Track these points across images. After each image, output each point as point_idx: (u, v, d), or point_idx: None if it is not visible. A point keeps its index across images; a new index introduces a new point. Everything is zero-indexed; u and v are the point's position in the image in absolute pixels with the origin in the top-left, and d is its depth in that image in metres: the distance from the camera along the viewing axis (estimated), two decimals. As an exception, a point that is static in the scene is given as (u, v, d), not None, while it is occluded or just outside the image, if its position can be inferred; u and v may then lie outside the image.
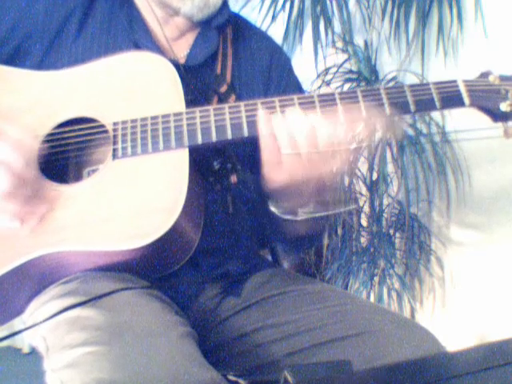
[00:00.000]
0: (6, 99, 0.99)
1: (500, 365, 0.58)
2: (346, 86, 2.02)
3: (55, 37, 1.04)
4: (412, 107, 0.92)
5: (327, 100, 0.92)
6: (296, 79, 1.22)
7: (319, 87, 2.05)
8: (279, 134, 0.89)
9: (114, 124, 0.94)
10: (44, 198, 0.90)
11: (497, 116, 0.94)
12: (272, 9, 2.12)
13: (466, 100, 0.92)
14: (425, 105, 0.92)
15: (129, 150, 0.93)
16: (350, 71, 2.07)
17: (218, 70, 1.10)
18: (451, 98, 0.92)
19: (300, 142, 0.88)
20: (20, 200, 0.87)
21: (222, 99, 1.06)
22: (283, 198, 0.97)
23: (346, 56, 2.09)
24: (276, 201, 0.99)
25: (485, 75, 0.95)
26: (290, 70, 1.21)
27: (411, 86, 0.93)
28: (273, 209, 1.00)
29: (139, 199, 0.90)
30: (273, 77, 1.16)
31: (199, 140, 0.92)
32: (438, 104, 0.92)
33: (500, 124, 0.95)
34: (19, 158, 0.85)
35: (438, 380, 0.57)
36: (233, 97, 1.08)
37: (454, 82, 0.93)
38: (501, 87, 0.93)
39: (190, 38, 1.11)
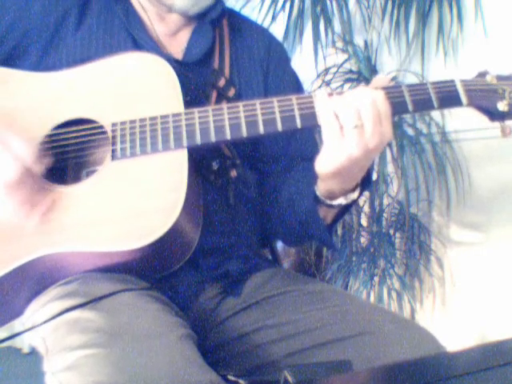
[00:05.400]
0: (6, 101, 0.99)
1: (500, 365, 0.58)
2: (346, 86, 2.02)
3: (53, 34, 1.04)
4: (410, 107, 0.92)
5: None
6: (293, 70, 1.22)
7: (319, 87, 2.05)
8: (342, 109, 0.86)
9: (113, 125, 0.95)
10: (45, 197, 0.90)
11: (494, 115, 0.94)
12: (272, 9, 2.12)
13: (464, 99, 0.92)
14: (423, 104, 0.92)
15: (127, 150, 0.93)
16: (350, 71, 2.07)
17: (216, 65, 1.10)
18: (449, 98, 0.93)
19: (364, 115, 0.86)
20: (26, 192, 0.87)
21: (221, 93, 1.07)
22: (336, 181, 0.94)
23: (345, 56, 2.08)
24: (327, 185, 0.96)
25: (482, 75, 0.95)
26: (287, 60, 1.22)
27: (409, 85, 0.93)
28: (319, 194, 0.97)
29: (138, 200, 0.90)
30: (270, 68, 1.16)
31: (198, 140, 0.92)
32: (435, 103, 0.92)
33: (497, 123, 0.95)
34: (30, 152, 0.87)
35: (438, 380, 0.57)
36: (232, 90, 1.08)
37: (452, 81, 0.93)
38: (498, 87, 0.94)
39: (186, 34, 1.11)
